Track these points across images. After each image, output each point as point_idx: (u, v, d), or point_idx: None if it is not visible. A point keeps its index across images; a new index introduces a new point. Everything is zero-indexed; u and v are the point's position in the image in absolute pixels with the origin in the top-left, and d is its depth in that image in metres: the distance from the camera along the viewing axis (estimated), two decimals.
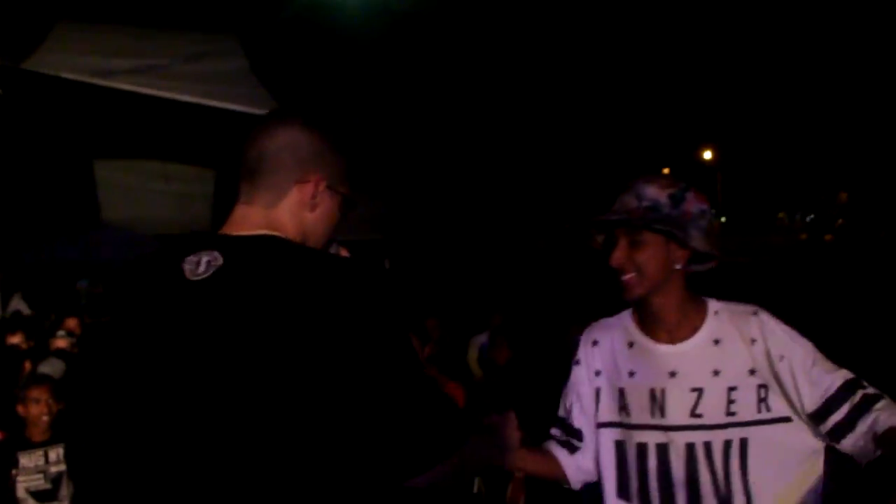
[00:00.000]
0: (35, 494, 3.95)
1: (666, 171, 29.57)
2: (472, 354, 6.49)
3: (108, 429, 1.38)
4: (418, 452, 1.39)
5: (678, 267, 1.88)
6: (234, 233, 1.44)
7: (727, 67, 43.93)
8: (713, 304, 1.95)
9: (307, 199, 1.48)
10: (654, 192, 1.89)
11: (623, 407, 1.95)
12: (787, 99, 45.18)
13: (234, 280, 1.34)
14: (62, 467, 3.99)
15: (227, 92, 6.36)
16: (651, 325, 1.95)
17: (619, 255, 1.86)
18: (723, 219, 46.32)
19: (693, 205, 1.88)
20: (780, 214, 49.95)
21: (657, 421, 1.89)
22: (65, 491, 3.95)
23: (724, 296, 2.01)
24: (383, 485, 1.41)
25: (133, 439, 1.34)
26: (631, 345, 1.97)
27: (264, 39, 7.56)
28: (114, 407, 1.37)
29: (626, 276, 1.86)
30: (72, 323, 6.82)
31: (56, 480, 3.95)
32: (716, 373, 1.87)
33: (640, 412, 1.92)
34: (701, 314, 1.92)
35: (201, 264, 1.35)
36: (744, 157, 46.91)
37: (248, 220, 1.46)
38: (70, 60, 6.56)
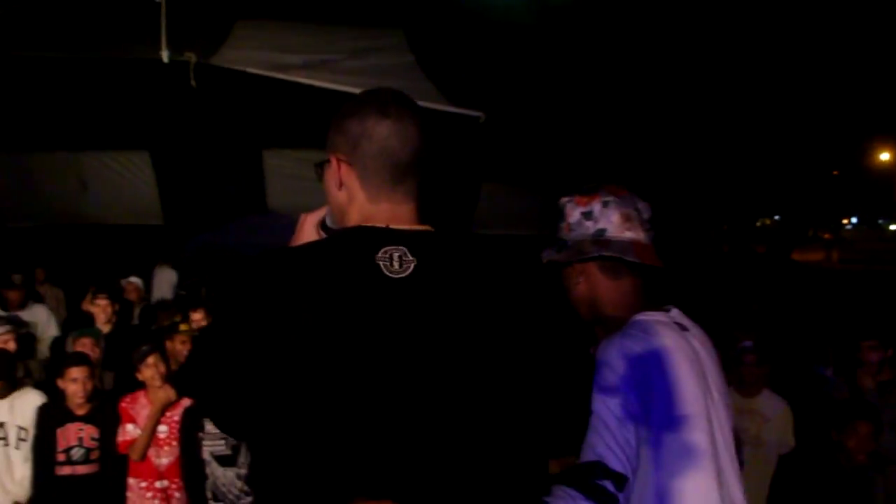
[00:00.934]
0: (217, 458, 4.28)
1: (835, 173, 27.97)
2: None
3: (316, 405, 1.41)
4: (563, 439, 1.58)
5: None
6: (401, 227, 1.54)
7: None
8: None
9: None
10: None
11: None
12: None
13: (434, 278, 1.46)
14: None
15: (394, 85, 6.55)
16: None
17: None
18: None
19: None
20: None
21: None
22: (243, 458, 4.26)
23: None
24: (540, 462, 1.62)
25: (354, 414, 1.40)
26: None
27: (430, 34, 7.74)
28: (324, 386, 1.40)
29: None
30: None
31: (236, 447, 4.26)
32: None
33: None
34: None
35: (395, 260, 1.46)
36: None
37: (406, 215, 1.58)
38: (249, 57, 6.95)
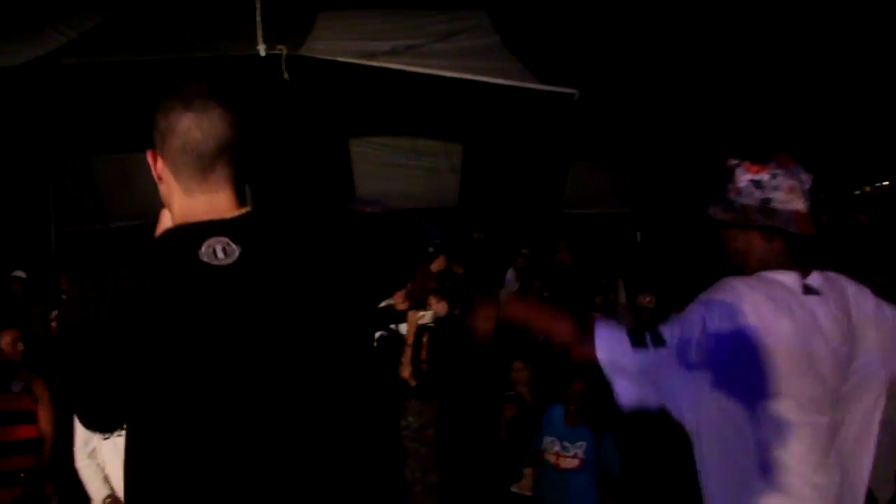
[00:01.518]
0: None
1: None
2: None
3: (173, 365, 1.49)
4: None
5: None
6: (221, 217, 1.60)
7: None
8: None
9: None
10: None
11: None
12: None
13: (258, 259, 1.55)
14: None
15: (482, 67, 6.51)
16: None
17: None
18: None
19: None
20: None
21: None
22: None
23: None
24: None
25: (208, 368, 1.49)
26: None
27: (515, 13, 7.64)
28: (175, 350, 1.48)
29: None
30: None
31: None
32: None
33: None
34: None
35: (219, 251, 1.53)
36: None
37: (223, 203, 1.64)
38: (334, 47, 6.99)
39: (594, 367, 2.13)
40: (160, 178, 1.67)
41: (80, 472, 4.56)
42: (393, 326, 6.86)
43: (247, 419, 1.48)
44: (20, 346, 4.79)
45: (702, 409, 2.09)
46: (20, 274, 8.72)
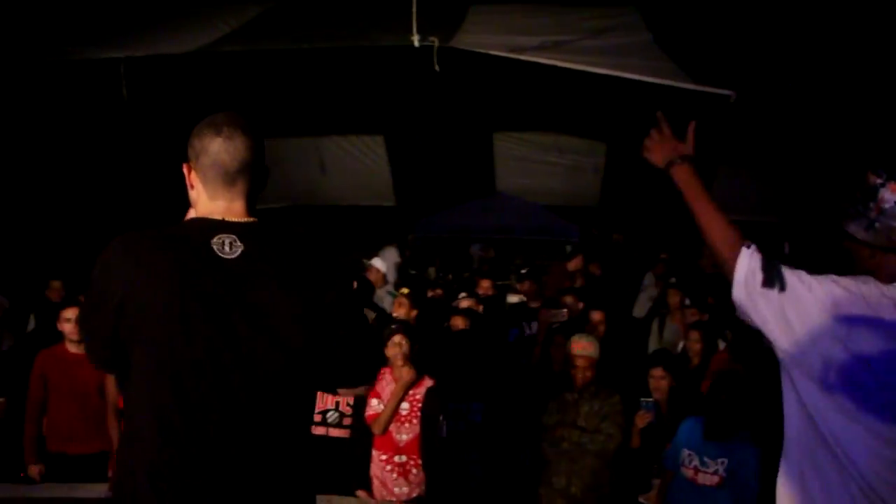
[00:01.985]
0: None
1: None
2: None
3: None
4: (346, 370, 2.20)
5: None
6: (233, 219, 2.06)
7: None
8: None
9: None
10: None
11: None
12: None
13: (255, 258, 2.00)
14: None
15: (634, 65, 6.36)
16: None
17: None
18: None
19: None
20: None
21: None
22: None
23: None
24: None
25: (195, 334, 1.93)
26: None
27: (666, 12, 7.43)
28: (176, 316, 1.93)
29: None
30: (485, 284, 7.49)
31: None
32: None
33: None
34: None
35: (226, 245, 1.99)
36: None
37: (237, 210, 2.10)
38: (484, 40, 6.99)
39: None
40: (192, 186, 2.14)
41: None
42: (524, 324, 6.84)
43: (217, 371, 1.93)
44: None
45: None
46: None
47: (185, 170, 2.14)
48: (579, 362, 4.76)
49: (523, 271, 7.92)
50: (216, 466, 1.94)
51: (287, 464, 2.03)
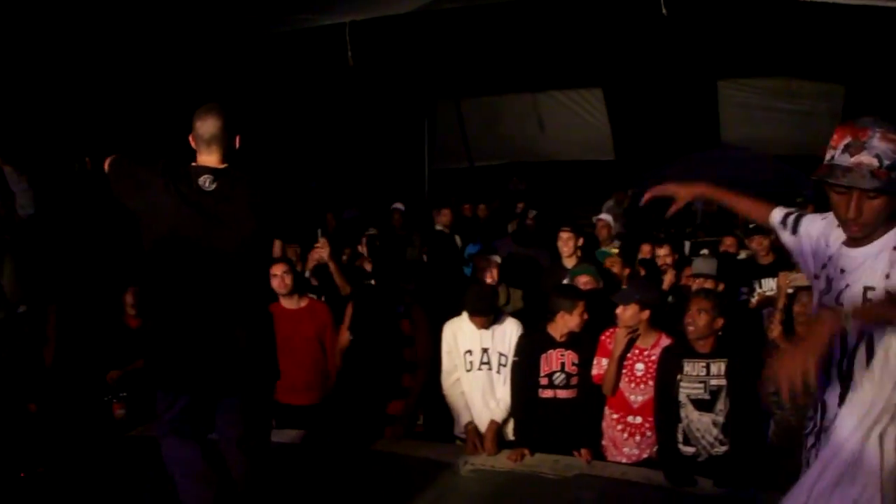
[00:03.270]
0: (694, 402, 4.17)
1: None
2: None
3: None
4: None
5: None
6: (212, 166, 3.24)
7: None
8: None
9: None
10: (887, 148, 2.14)
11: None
12: None
13: (224, 190, 3.19)
14: (722, 381, 4.15)
15: None
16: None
17: (853, 213, 2.20)
18: None
19: None
20: None
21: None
22: (722, 405, 4.11)
23: None
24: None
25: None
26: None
27: None
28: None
29: (854, 228, 2.23)
30: (728, 241, 7.24)
31: (715, 392, 4.12)
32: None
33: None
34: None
35: (207, 182, 3.18)
36: None
37: (215, 161, 3.26)
38: None
39: None
40: (194, 147, 3.27)
41: (447, 398, 4.87)
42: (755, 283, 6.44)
43: (199, 261, 3.16)
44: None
45: None
46: (399, 206, 9.45)
47: (190, 138, 3.27)
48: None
49: (751, 226, 7.44)
50: (199, 296, 3.18)
51: (242, 295, 3.26)
